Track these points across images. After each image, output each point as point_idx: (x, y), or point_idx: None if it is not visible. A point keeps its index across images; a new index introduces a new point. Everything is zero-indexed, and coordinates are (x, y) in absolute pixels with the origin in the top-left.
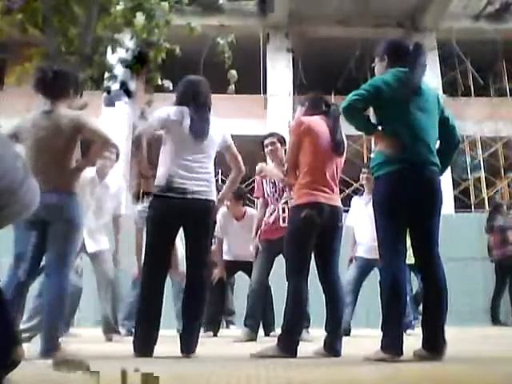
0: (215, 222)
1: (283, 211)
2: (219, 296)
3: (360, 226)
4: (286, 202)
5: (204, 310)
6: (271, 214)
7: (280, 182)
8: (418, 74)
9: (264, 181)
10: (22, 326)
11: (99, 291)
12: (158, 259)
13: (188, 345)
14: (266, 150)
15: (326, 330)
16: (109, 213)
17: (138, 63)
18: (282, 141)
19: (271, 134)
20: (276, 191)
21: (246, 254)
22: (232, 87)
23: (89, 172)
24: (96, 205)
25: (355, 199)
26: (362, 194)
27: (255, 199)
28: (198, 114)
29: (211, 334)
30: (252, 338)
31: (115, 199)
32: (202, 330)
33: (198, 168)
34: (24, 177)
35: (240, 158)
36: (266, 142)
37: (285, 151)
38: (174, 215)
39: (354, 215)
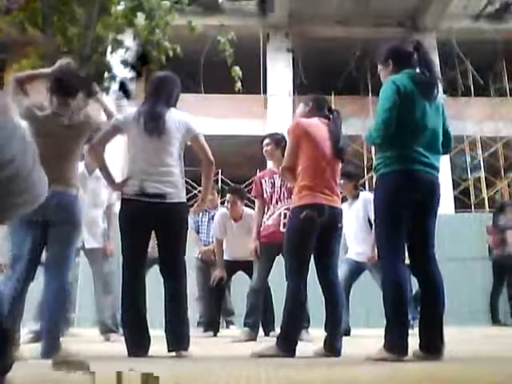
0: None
1: (284, 217)
2: (218, 296)
3: (345, 230)
4: (288, 208)
5: (186, 308)
6: (270, 217)
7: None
8: (433, 72)
9: (263, 180)
10: (30, 327)
11: (95, 290)
12: (133, 260)
13: (176, 342)
14: (263, 150)
15: (325, 330)
16: (104, 204)
17: (139, 63)
18: (281, 141)
19: (269, 135)
20: (275, 192)
21: (245, 254)
22: (239, 84)
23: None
24: (91, 198)
25: (343, 205)
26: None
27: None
28: (153, 111)
29: (211, 334)
30: (252, 337)
31: (107, 189)
32: (201, 330)
33: (159, 168)
34: (34, 164)
35: (208, 149)
36: (264, 143)
37: (282, 151)
38: (138, 218)
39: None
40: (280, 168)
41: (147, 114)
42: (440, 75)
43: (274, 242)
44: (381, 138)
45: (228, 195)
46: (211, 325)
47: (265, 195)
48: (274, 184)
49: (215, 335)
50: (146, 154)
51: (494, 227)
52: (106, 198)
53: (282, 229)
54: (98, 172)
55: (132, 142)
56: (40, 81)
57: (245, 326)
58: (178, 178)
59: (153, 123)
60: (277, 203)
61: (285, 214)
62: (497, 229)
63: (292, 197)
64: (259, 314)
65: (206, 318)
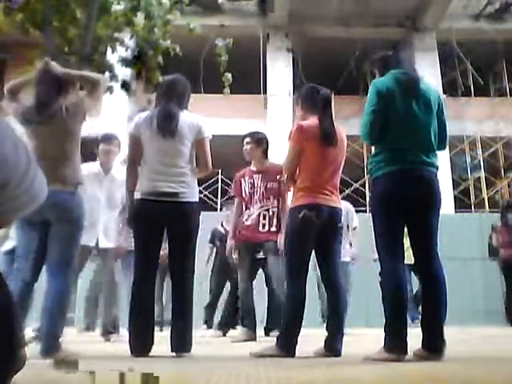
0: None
1: (263, 217)
2: (233, 297)
3: None
4: (268, 210)
5: (191, 309)
6: (249, 217)
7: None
8: (409, 69)
9: (242, 180)
10: (32, 327)
11: (104, 291)
12: (144, 260)
13: (179, 346)
14: (242, 149)
15: (327, 329)
16: (119, 204)
17: (138, 62)
18: (262, 141)
19: (249, 134)
20: (255, 192)
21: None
22: (227, 90)
23: (94, 166)
24: (106, 198)
25: None
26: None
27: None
28: (166, 112)
29: (221, 334)
30: (251, 337)
31: (123, 188)
32: (212, 329)
33: (171, 169)
34: (29, 162)
35: (209, 156)
36: (244, 141)
37: (263, 151)
38: (151, 217)
39: None
40: (284, 177)
41: (160, 115)
42: (417, 71)
43: (253, 242)
44: (368, 140)
45: None
46: (225, 325)
47: (243, 195)
48: (253, 184)
49: (224, 335)
50: (159, 155)
51: (505, 227)
52: (121, 197)
53: (261, 229)
54: (113, 172)
55: (145, 143)
56: (30, 86)
57: (243, 326)
58: (191, 177)
59: (166, 124)
60: (256, 203)
61: (264, 215)
62: (508, 228)
63: (271, 198)
64: (254, 314)
65: (221, 318)
